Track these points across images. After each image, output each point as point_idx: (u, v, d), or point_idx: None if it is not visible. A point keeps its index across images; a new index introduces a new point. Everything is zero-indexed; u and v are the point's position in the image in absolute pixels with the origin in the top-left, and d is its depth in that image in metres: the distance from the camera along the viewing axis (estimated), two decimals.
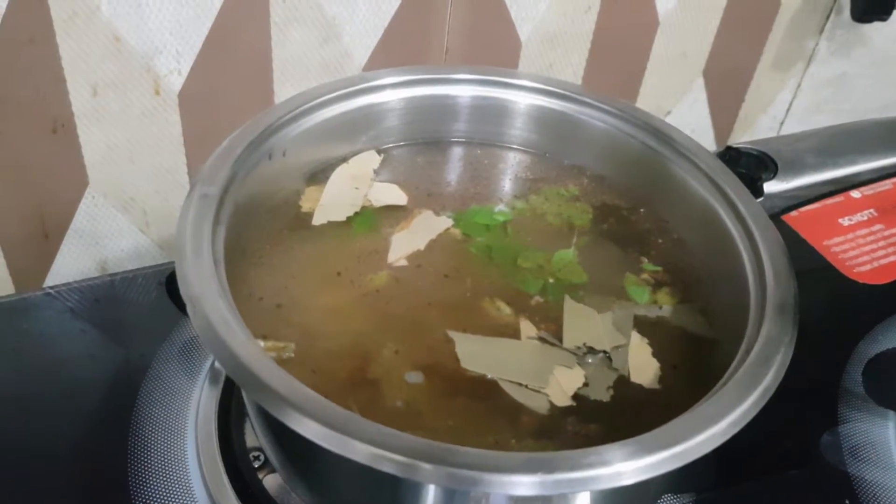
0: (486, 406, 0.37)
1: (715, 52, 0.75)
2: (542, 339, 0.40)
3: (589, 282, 0.44)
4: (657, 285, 0.44)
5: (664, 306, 0.43)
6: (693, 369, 0.40)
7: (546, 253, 0.45)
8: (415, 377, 0.38)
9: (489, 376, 0.38)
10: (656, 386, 0.39)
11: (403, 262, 0.43)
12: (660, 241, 0.47)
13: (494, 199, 0.49)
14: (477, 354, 0.39)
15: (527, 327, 0.41)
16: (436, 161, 0.50)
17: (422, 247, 0.44)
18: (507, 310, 0.42)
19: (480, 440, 0.36)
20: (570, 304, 0.42)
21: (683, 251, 0.46)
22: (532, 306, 0.42)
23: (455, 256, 0.44)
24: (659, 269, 0.45)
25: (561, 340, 0.40)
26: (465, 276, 0.43)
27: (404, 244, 0.44)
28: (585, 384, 0.39)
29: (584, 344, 0.40)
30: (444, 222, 0.46)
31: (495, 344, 0.40)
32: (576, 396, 0.38)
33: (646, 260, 0.46)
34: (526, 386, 0.38)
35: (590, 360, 0.40)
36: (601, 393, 0.39)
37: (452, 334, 0.40)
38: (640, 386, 0.39)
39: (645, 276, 0.45)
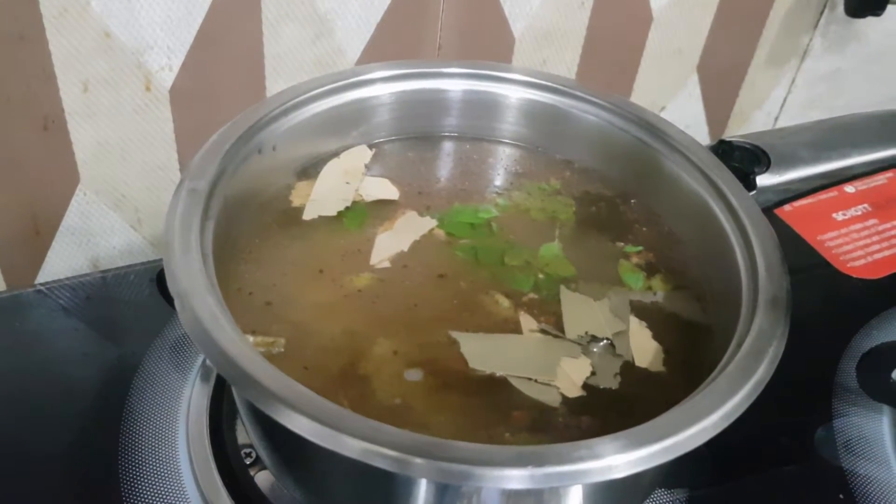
0: (480, 401, 0.37)
1: (709, 47, 0.75)
2: (544, 332, 0.40)
3: (579, 272, 0.44)
4: (651, 272, 0.44)
5: (658, 292, 0.43)
6: (688, 355, 0.40)
7: (532, 249, 0.45)
8: (414, 374, 0.38)
9: (498, 374, 0.38)
10: (661, 369, 0.40)
11: (386, 264, 0.43)
12: (644, 229, 0.47)
13: (486, 194, 0.48)
14: (482, 353, 0.39)
15: (527, 321, 0.41)
16: (427, 156, 0.50)
17: (405, 248, 0.44)
18: (505, 302, 0.42)
19: (474, 435, 0.35)
20: (566, 295, 0.42)
21: (676, 245, 0.46)
22: (525, 302, 0.42)
23: (441, 259, 0.44)
24: (640, 248, 0.45)
25: (562, 331, 0.40)
26: (453, 277, 0.43)
27: (388, 245, 0.44)
28: (593, 373, 0.39)
29: (586, 333, 0.40)
30: (428, 223, 0.45)
31: (499, 341, 0.40)
32: (584, 386, 0.38)
33: (622, 244, 0.46)
34: (535, 380, 0.38)
35: (594, 349, 0.40)
36: (609, 380, 0.39)
37: (455, 335, 0.39)
38: (645, 370, 0.39)
39: (635, 259, 0.45)
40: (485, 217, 0.46)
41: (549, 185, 0.49)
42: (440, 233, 0.45)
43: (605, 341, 0.40)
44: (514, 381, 0.38)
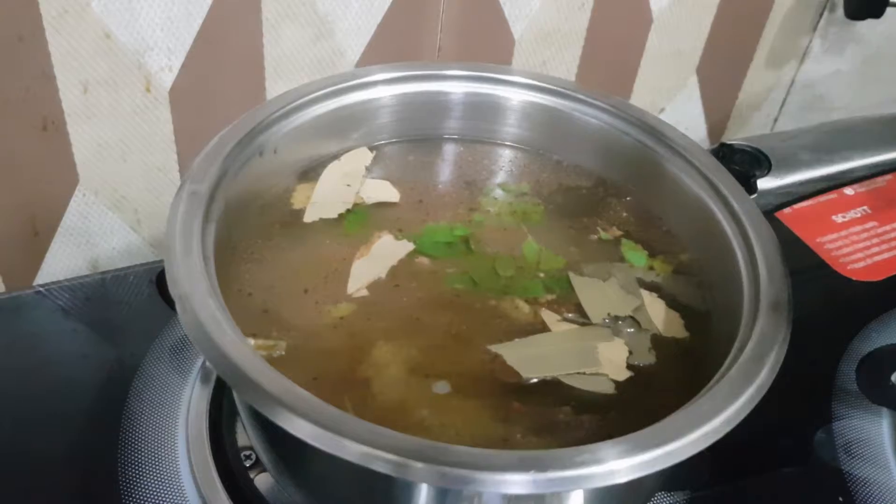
0: (483, 404, 0.37)
1: (709, 49, 0.75)
2: (569, 321, 0.41)
3: (572, 260, 0.44)
4: (654, 253, 0.45)
5: (661, 274, 0.44)
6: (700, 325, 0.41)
7: (517, 253, 0.45)
8: (441, 387, 0.37)
9: (548, 377, 0.38)
10: (685, 334, 0.41)
11: (364, 292, 0.41)
12: (624, 214, 0.47)
13: (484, 198, 0.48)
14: (528, 361, 0.38)
15: (549, 316, 0.41)
16: (428, 158, 0.50)
17: (383, 275, 0.42)
18: (525, 308, 0.41)
19: (482, 439, 0.35)
20: (577, 280, 0.43)
21: (676, 246, 0.46)
22: (541, 302, 0.42)
23: (440, 294, 0.42)
24: (601, 230, 0.46)
25: (586, 318, 0.41)
26: (460, 303, 0.42)
27: (365, 273, 0.42)
28: (630, 352, 0.39)
29: (609, 314, 0.41)
30: (404, 247, 0.44)
31: (535, 343, 0.39)
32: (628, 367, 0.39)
33: (593, 237, 0.46)
34: (584, 373, 0.38)
35: (623, 329, 0.41)
36: (645, 356, 0.39)
37: (496, 347, 0.39)
38: (672, 338, 0.40)
39: (614, 230, 0.46)
40: (459, 234, 0.45)
41: (517, 188, 0.49)
42: (424, 260, 0.44)
43: (627, 319, 0.41)
44: (565, 380, 0.38)
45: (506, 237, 0.46)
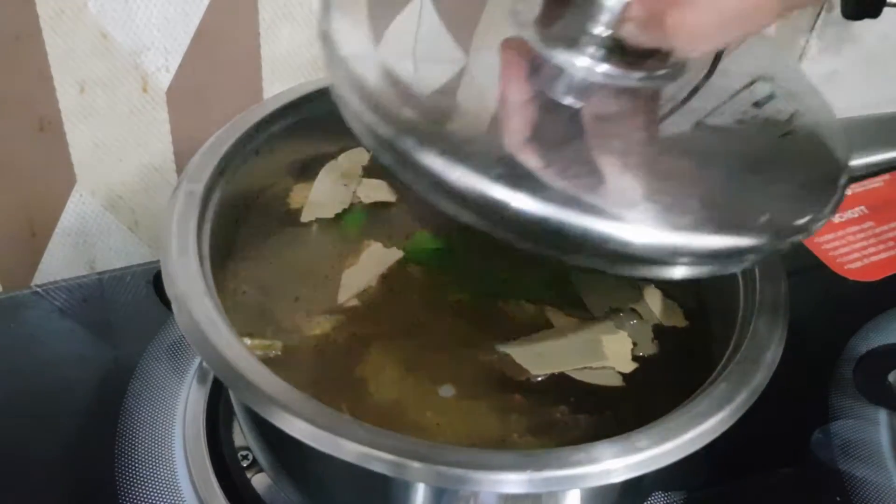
0: (483, 404, 0.37)
1: None
2: (571, 316, 0.41)
3: None
4: None
5: None
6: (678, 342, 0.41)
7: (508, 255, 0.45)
8: (446, 391, 0.37)
9: (556, 373, 0.38)
10: (685, 323, 0.41)
11: (355, 302, 0.41)
12: None
13: None
14: (536, 357, 0.38)
15: (552, 312, 0.41)
16: None
17: (373, 283, 0.42)
18: (527, 306, 0.42)
19: (481, 439, 0.36)
20: (576, 276, 0.43)
21: None
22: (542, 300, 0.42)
23: (437, 297, 0.42)
24: None
25: (587, 312, 0.41)
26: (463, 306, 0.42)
27: (354, 282, 0.42)
28: (634, 344, 0.39)
29: (610, 307, 0.41)
30: (393, 254, 0.43)
31: (541, 341, 0.40)
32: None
33: None
34: (591, 367, 0.38)
35: (625, 321, 0.41)
36: (648, 347, 0.40)
37: (504, 346, 0.39)
38: (672, 328, 0.41)
39: None
40: (448, 240, 0.45)
41: None
42: (414, 267, 0.43)
43: (628, 311, 0.41)
44: (573, 374, 0.38)
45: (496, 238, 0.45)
